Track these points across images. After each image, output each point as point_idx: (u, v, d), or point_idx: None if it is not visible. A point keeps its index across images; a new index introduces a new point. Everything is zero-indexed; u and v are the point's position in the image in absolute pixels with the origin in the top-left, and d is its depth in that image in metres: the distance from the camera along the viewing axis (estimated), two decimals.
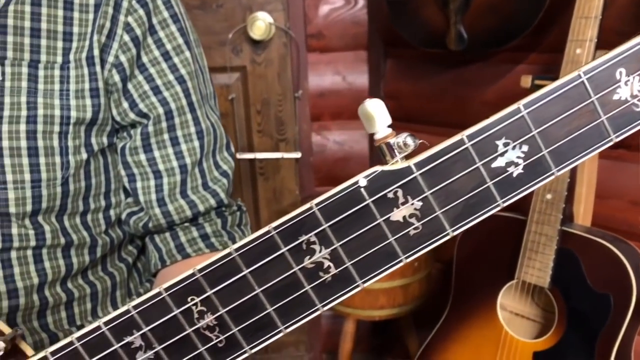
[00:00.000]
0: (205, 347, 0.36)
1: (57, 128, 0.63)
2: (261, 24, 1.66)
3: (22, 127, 0.62)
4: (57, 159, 0.63)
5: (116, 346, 0.35)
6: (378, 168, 0.34)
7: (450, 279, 1.27)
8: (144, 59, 0.68)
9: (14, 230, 0.63)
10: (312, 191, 1.87)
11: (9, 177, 0.61)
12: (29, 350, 0.42)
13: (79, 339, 0.35)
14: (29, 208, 0.63)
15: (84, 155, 0.66)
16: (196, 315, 0.35)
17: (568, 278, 1.07)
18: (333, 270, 0.35)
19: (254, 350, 0.36)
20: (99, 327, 0.35)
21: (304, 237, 0.34)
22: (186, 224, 0.75)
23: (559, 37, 1.27)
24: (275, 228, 0.34)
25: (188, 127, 0.72)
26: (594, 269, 1.04)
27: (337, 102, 1.77)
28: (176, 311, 0.35)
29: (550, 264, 1.08)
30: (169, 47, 0.70)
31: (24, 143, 0.62)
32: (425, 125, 1.66)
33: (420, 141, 0.35)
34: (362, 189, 0.34)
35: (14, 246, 0.63)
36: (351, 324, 1.63)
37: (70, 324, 0.70)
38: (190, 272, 0.35)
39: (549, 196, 1.08)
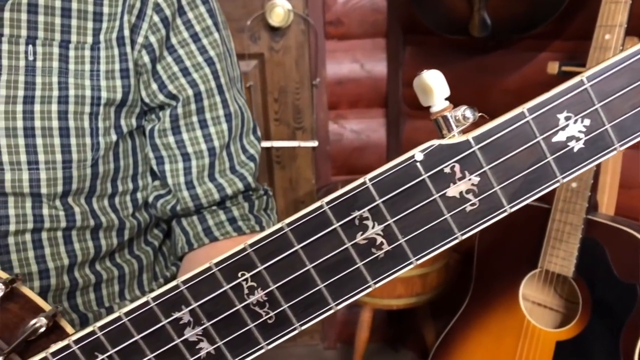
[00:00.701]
0: (255, 323, 0.35)
1: (87, 109, 0.63)
2: (280, 10, 1.65)
3: (54, 107, 0.61)
4: (88, 140, 0.63)
5: (164, 322, 0.35)
6: (435, 142, 0.33)
7: (470, 268, 1.26)
8: (173, 40, 0.68)
9: (45, 211, 0.63)
10: (329, 180, 1.86)
11: (41, 157, 0.61)
12: (68, 328, 0.41)
13: (127, 314, 0.35)
14: (59, 189, 0.63)
15: (114, 137, 0.65)
16: (246, 291, 0.35)
17: (593, 267, 1.06)
18: (386, 247, 0.34)
19: (304, 327, 0.35)
20: (147, 303, 0.35)
21: (357, 213, 0.34)
22: (214, 208, 0.74)
23: (583, 24, 1.25)
24: (328, 203, 0.34)
25: (217, 109, 0.71)
26: (620, 259, 1.03)
27: (355, 90, 1.76)
28: (226, 287, 0.35)
29: (574, 253, 1.07)
30: (197, 28, 0.69)
31: (55, 123, 0.61)
32: None
33: (480, 114, 0.34)
34: (418, 164, 0.33)
35: (45, 227, 0.63)
36: (368, 313, 1.63)
37: (99, 306, 0.70)
38: (241, 246, 0.34)
39: (574, 184, 1.07)
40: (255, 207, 0.76)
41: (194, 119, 0.70)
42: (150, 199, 0.74)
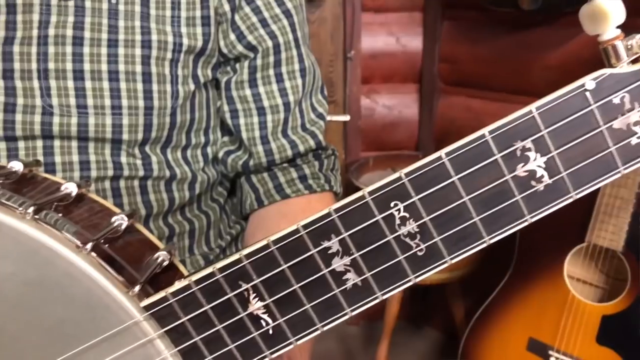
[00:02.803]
0: (404, 255, 0.34)
1: (169, 55, 0.62)
2: None
3: (137, 51, 0.60)
4: (168, 87, 0.62)
5: (313, 251, 0.34)
6: (606, 71, 0.32)
7: (513, 243, 1.25)
8: None
9: (123, 159, 0.62)
10: (358, 156, 1.85)
11: (125, 102, 0.60)
12: (181, 267, 0.41)
13: (275, 242, 0.34)
14: (140, 136, 0.62)
15: (191, 86, 0.65)
16: (398, 222, 0.34)
17: None
18: (546, 180, 0.33)
19: (453, 261, 0.34)
20: (297, 231, 0.34)
21: (520, 144, 0.33)
22: (285, 165, 0.74)
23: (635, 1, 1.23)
24: (491, 132, 0.33)
25: (293, 63, 0.71)
26: None
27: (389, 64, 1.74)
28: (378, 216, 0.34)
29: (625, 228, 1.06)
30: None
31: (138, 68, 0.60)
32: (482, 91, 1.64)
33: None
34: (587, 93, 0.32)
35: (123, 175, 0.62)
36: None
37: None
38: (396, 175, 0.33)
39: None
40: (324, 166, 0.76)
41: (271, 72, 0.69)
42: (220, 155, 0.74)
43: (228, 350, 0.36)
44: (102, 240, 0.36)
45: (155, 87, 0.61)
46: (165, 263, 0.39)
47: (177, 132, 0.66)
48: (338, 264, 0.35)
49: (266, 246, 0.34)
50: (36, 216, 0.35)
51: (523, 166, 0.33)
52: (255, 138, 0.71)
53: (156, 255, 0.39)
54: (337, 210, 0.34)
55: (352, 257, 0.34)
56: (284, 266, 0.34)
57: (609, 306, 1.09)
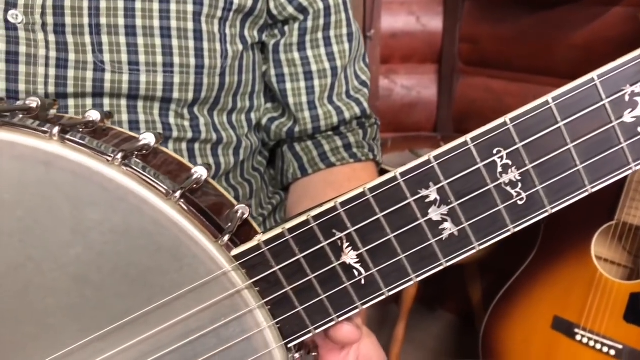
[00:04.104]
0: (504, 204, 0.33)
1: (219, 13, 0.61)
2: None
3: (189, 7, 0.59)
4: (218, 46, 0.61)
5: (410, 199, 0.33)
6: None
7: (537, 224, 1.25)
8: None
9: (172, 120, 0.61)
10: None
11: (176, 59, 0.59)
12: (254, 225, 0.40)
13: (372, 190, 0.33)
14: (190, 96, 0.61)
15: (240, 47, 0.63)
16: (499, 169, 0.33)
17: None
18: None
19: (554, 210, 0.34)
20: (394, 178, 0.33)
21: (629, 89, 0.32)
22: (329, 133, 0.73)
23: None
24: (599, 77, 0.32)
25: (341, 27, 0.69)
26: None
27: (409, 44, 1.73)
28: (480, 164, 0.33)
29: None
30: None
31: (190, 25, 0.59)
32: (503, 71, 1.62)
33: None
34: None
35: (172, 136, 0.61)
36: None
37: None
38: (500, 121, 0.32)
39: None
40: (368, 134, 0.75)
41: (319, 35, 0.68)
42: (264, 121, 0.73)
43: (319, 300, 0.35)
44: (188, 190, 0.36)
45: (205, 45, 0.60)
46: (245, 216, 0.38)
47: (225, 94, 0.65)
48: (435, 213, 0.34)
49: (362, 194, 0.33)
50: (125, 162, 0.34)
51: (631, 112, 0.32)
52: (302, 103, 0.70)
53: (236, 208, 0.38)
54: (437, 158, 0.33)
55: (450, 206, 0.33)
56: (380, 215, 0.34)
57: (637, 284, 1.09)
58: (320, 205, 0.34)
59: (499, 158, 0.33)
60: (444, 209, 0.34)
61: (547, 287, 1.21)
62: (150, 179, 0.34)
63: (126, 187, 0.34)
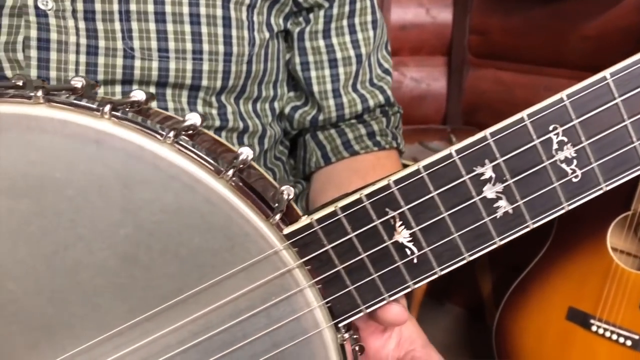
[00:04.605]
0: (559, 182, 0.33)
1: (247, 0, 0.60)
2: None
3: None
4: (246, 34, 0.61)
5: (465, 177, 0.33)
6: None
7: None
8: None
9: (200, 108, 0.61)
10: None
11: (206, 47, 0.58)
12: (296, 207, 0.40)
13: (426, 167, 0.33)
14: (218, 84, 0.61)
15: (266, 34, 0.63)
16: (555, 146, 0.33)
17: None
18: None
19: (608, 188, 0.34)
20: (449, 156, 0.33)
21: None
22: (352, 121, 0.73)
23: None
24: None
25: (366, 14, 0.69)
26: None
27: (418, 36, 1.72)
28: (535, 140, 0.33)
29: None
30: None
31: (219, 12, 0.59)
32: (513, 63, 1.62)
33: None
34: None
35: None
36: None
37: None
38: (557, 97, 0.32)
39: None
40: (391, 123, 0.75)
41: (344, 22, 0.68)
42: (287, 110, 0.72)
43: (371, 279, 0.35)
44: (238, 169, 0.35)
45: (234, 32, 0.60)
46: (291, 197, 0.38)
47: (251, 82, 0.65)
48: (490, 190, 0.33)
49: (417, 171, 0.33)
50: (176, 140, 0.34)
51: None
52: (327, 91, 0.69)
53: (282, 188, 0.38)
54: (493, 134, 0.33)
55: (505, 183, 0.33)
56: (434, 193, 0.33)
57: None
58: (373, 183, 0.34)
59: (554, 135, 0.33)
60: (499, 187, 0.33)
61: (562, 279, 1.21)
62: (203, 157, 0.34)
63: (178, 165, 0.34)
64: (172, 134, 0.34)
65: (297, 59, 0.69)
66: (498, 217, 0.34)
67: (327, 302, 0.36)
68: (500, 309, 1.33)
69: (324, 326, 0.36)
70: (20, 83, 0.35)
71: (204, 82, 0.60)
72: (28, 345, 0.37)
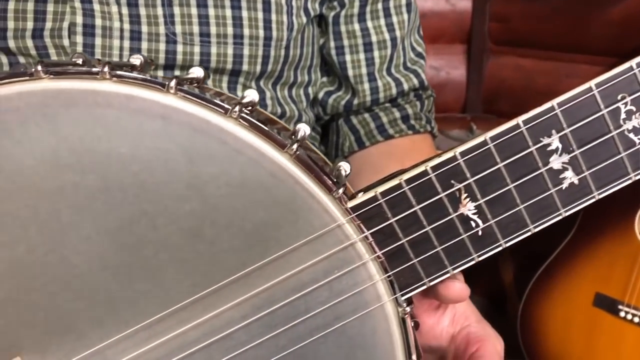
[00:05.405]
0: (627, 152, 0.33)
1: None
2: None
3: None
4: (285, 18, 0.61)
5: (532, 148, 0.33)
6: None
7: None
8: None
9: (239, 93, 0.61)
10: None
11: (246, 31, 0.58)
12: (348, 184, 0.40)
13: (493, 138, 0.33)
14: (258, 68, 0.61)
15: (304, 19, 0.63)
16: (623, 116, 0.33)
17: None
18: None
19: None
20: (516, 126, 0.33)
21: None
22: (387, 105, 0.72)
23: None
24: None
25: None
26: None
27: (438, 24, 1.71)
28: (603, 110, 0.32)
29: None
30: None
31: None
32: (534, 49, 1.60)
33: None
34: None
35: None
36: None
37: None
38: (626, 65, 0.32)
39: None
40: (425, 106, 0.74)
41: (379, 5, 0.68)
42: (320, 95, 0.72)
43: (435, 252, 0.35)
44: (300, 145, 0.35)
45: (273, 17, 0.60)
46: (348, 172, 0.38)
47: (288, 67, 0.65)
48: (556, 161, 0.33)
49: (483, 143, 0.33)
50: (243, 115, 0.34)
51: None
52: (362, 75, 0.69)
53: (339, 164, 0.38)
54: (560, 104, 0.32)
55: (572, 154, 0.33)
56: (500, 164, 0.33)
57: None
58: (439, 155, 0.34)
59: (623, 104, 0.32)
60: (565, 157, 0.33)
61: (589, 264, 1.21)
62: (267, 132, 0.34)
63: (244, 140, 0.34)
64: (237, 108, 0.34)
65: (332, 43, 0.69)
66: (564, 188, 0.34)
67: (389, 276, 0.36)
68: (525, 296, 1.33)
69: (386, 299, 0.36)
70: (80, 61, 0.35)
71: (245, 67, 0.60)
72: (92, 321, 0.37)
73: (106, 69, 0.33)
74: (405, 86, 0.71)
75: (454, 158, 0.33)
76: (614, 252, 1.16)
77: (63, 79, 0.33)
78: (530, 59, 1.62)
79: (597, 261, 1.19)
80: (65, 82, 0.33)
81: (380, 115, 0.72)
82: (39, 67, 0.33)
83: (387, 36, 0.68)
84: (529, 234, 0.35)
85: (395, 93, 0.71)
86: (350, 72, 0.69)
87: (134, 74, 0.34)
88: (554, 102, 0.32)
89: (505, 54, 1.66)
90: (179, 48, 0.57)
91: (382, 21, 0.68)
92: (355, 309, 0.36)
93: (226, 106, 0.34)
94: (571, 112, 0.33)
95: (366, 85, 0.69)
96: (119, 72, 0.34)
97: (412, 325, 0.38)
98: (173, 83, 0.33)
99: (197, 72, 0.38)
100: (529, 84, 1.63)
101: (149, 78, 0.34)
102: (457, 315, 0.43)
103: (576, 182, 0.34)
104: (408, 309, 0.37)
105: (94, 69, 0.33)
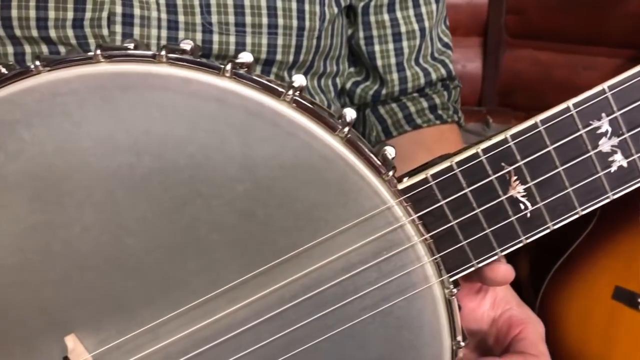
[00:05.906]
0: None
1: None
2: None
3: None
4: (317, 8, 0.61)
5: (582, 131, 0.34)
6: None
7: None
8: None
9: None
10: None
11: (280, 21, 0.59)
12: None
13: (543, 121, 0.34)
14: (291, 58, 0.62)
15: (335, 9, 0.64)
16: None
17: None
18: None
19: None
20: (566, 109, 0.33)
21: None
22: (414, 95, 0.73)
23: None
24: None
25: None
26: None
27: (453, 16, 1.69)
28: None
29: None
30: None
31: None
32: (551, 42, 1.60)
33: None
34: None
35: None
36: None
37: None
38: None
39: None
40: (452, 97, 0.75)
41: None
42: (348, 85, 0.73)
43: (484, 235, 0.35)
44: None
45: (307, 7, 0.60)
46: (393, 156, 0.38)
47: (319, 57, 0.65)
48: (606, 145, 0.34)
49: (534, 125, 0.34)
50: (296, 98, 0.34)
51: None
52: (391, 65, 0.70)
53: (384, 148, 0.38)
54: (611, 87, 0.33)
55: (621, 137, 0.34)
56: (550, 147, 0.34)
57: None
58: (489, 138, 0.34)
59: None
60: (615, 141, 0.34)
61: (608, 258, 1.21)
62: (319, 115, 0.35)
63: (297, 122, 0.35)
64: (291, 91, 0.34)
65: (361, 34, 0.69)
66: (612, 171, 0.34)
67: (438, 257, 0.36)
68: (542, 289, 1.33)
69: (434, 281, 0.37)
70: (131, 46, 0.36)
71: (278, 57, 0.60)
72: (144, 300, 0.38)
73: (163, 52, 0.34)
74: (434, 76, 0.72)
75: (504, 140, 0.34)
76: (635, 245, 1.16)
77: (121, 62, 0.34)
78: (547, 52, 1.61)
79: (617, 254, 1.19)
80: (123, 66, 0.34)
81: (408, 105, 0.72)
82: (98, 51, 0.34)
83: (416, 26, 0.69)
84: (576, 216, 0.35)
85: (423, 83, 0.71)
86: (379, 62, 0.70)
87: (191, 57, 0.35)
88: (604, 85, 0.33)
89: (522, 46, 1.66)
90: (215, 37, 0.57)
91: (411, 11, 0.69)
92: (403, 289, 0.37)
93: (279, 90, 0.34)
94: (621, 96, 0.33)
95: (395, 75, 0.70)
96: (175, 56, 0.34)
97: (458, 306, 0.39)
98: (229, 66, 0.34)
99: (246, 57, 0.39)
100: (546, 77, 1.63)
101: (205, 62, 0.34)
102: (497, 299, 0.44)
103: (625, 165, 0.34)
104: (455, 290, 0.37)
105: (151, 53, 0.34)
